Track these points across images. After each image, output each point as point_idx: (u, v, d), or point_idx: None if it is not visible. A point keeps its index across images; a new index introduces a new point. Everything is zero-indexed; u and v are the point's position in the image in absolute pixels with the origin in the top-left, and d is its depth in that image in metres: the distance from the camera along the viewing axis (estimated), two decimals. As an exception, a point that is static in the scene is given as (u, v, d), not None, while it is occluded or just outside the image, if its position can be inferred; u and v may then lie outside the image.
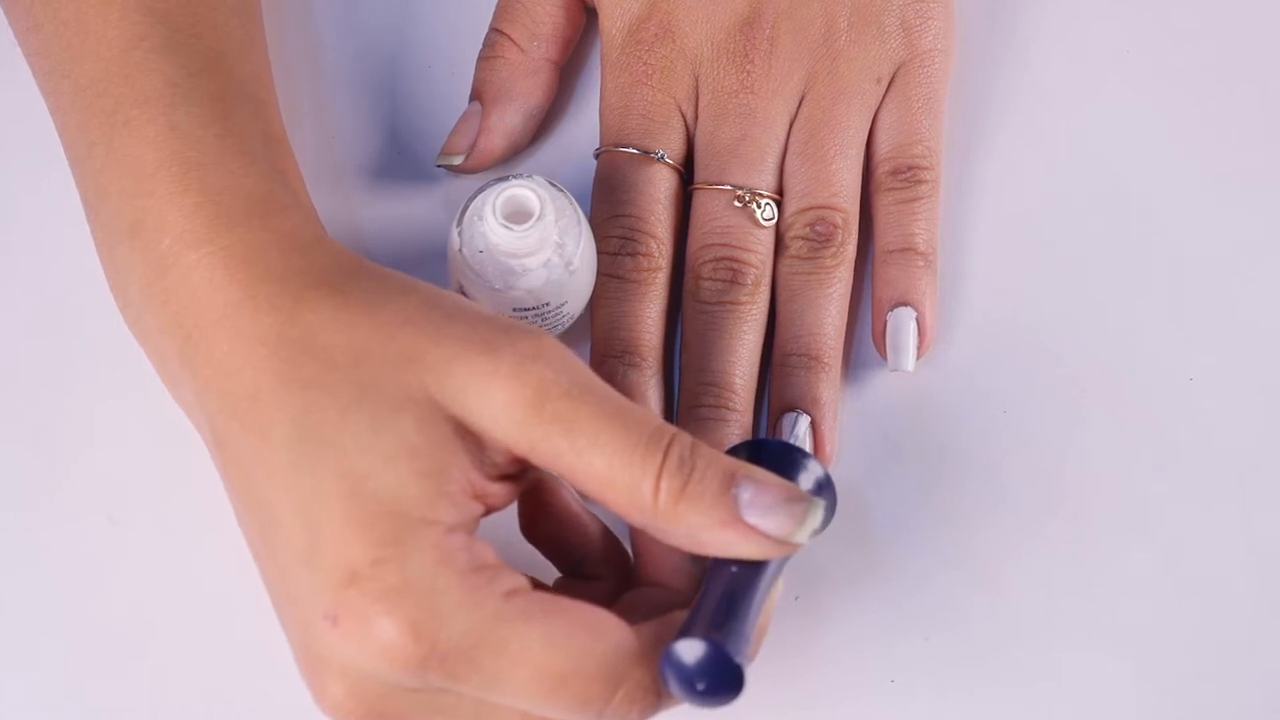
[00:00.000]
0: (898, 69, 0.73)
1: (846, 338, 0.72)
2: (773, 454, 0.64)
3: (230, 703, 0.68)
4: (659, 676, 0.59)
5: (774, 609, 0.63)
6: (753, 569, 0.61)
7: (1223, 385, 0.72)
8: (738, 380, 0.70)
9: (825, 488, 0.64)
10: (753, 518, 0.60)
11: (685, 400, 0.70)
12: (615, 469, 0.59)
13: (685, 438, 0.60)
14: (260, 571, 0.62)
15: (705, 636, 0.59)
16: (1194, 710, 0.69)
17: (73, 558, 0.70)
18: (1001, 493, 0.71)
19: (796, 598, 0.69)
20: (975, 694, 0.69)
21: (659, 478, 0.59)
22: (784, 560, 0.62)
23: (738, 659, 0.59)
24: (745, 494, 0.60)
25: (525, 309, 0.68)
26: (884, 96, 0.73)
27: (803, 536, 0.60)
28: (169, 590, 0.69)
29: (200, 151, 0.63)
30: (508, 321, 0.61)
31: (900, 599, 0.70)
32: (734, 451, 0.65)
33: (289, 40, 0.75)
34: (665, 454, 0.59)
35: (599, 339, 0.71)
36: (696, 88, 0.72)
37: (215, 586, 0.69)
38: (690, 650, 0.59)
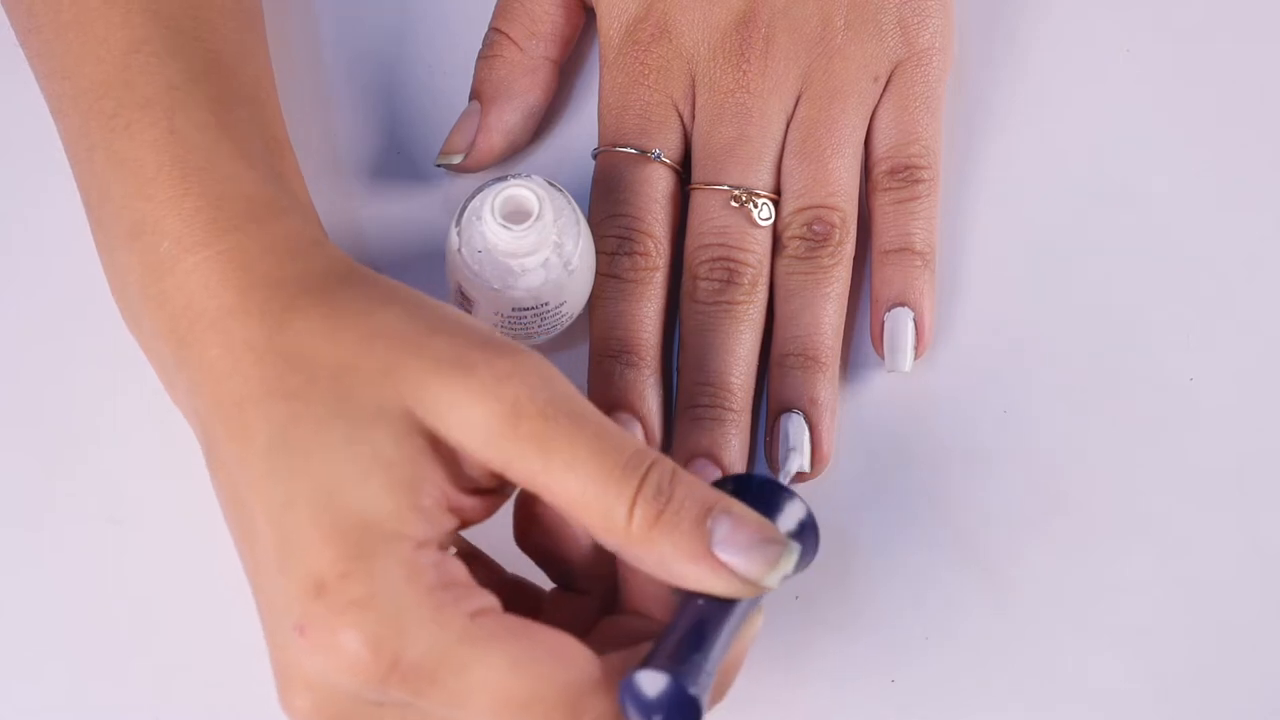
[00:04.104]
0: (895, 67, 0.73)
1: (845, 338, 0.72)
2: (757, 491, 0.62)
3: (232, 704, 0.68)
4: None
5: (749, 644, 0.62)
6: (722, 604, 0.60)
7: (1223, 385, 0.72)
8: (735, 380, 0.70)
9: (807, 529, 0.62)
10: (725, 555, 0.59)
11: (683, 400, 0.70)
12: (589, 491, 0.59)
13: (666, 464, 0.60)
14: (245, 575, 0.62)
15: (663, 668, 0.58)
16: (1194, 710, 0.69)
17: (74, 558, 0.70)
18: (1001, 493, 0.71)
19: (796, 597, 0.69)
20: (975, 694, 0.69)
21: (633, 504, 0.59)
22: (757, 599, 0.61)
23: (693, 691, 0.58)
24: (721, 529, 0.59)
25: (524, 309, 0.68)
26: (881, 95, 0.73)
27: (773, 581, 0.60)
28: (170, 591, 0.69)
29: (200, 155, 0.63)
30: (490, 337, 0.60)
31: (900, 598, 0.70)
32: (720, 485, 0.63)
33: (288, 40, 0.75)
34: (643, 480, 0.59)
35: (597, 338, 0.71)
36: (693, 87, 0.72)
37: (217, 587, 0.68)
38: (648, 681, 0.58)
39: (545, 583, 0.65)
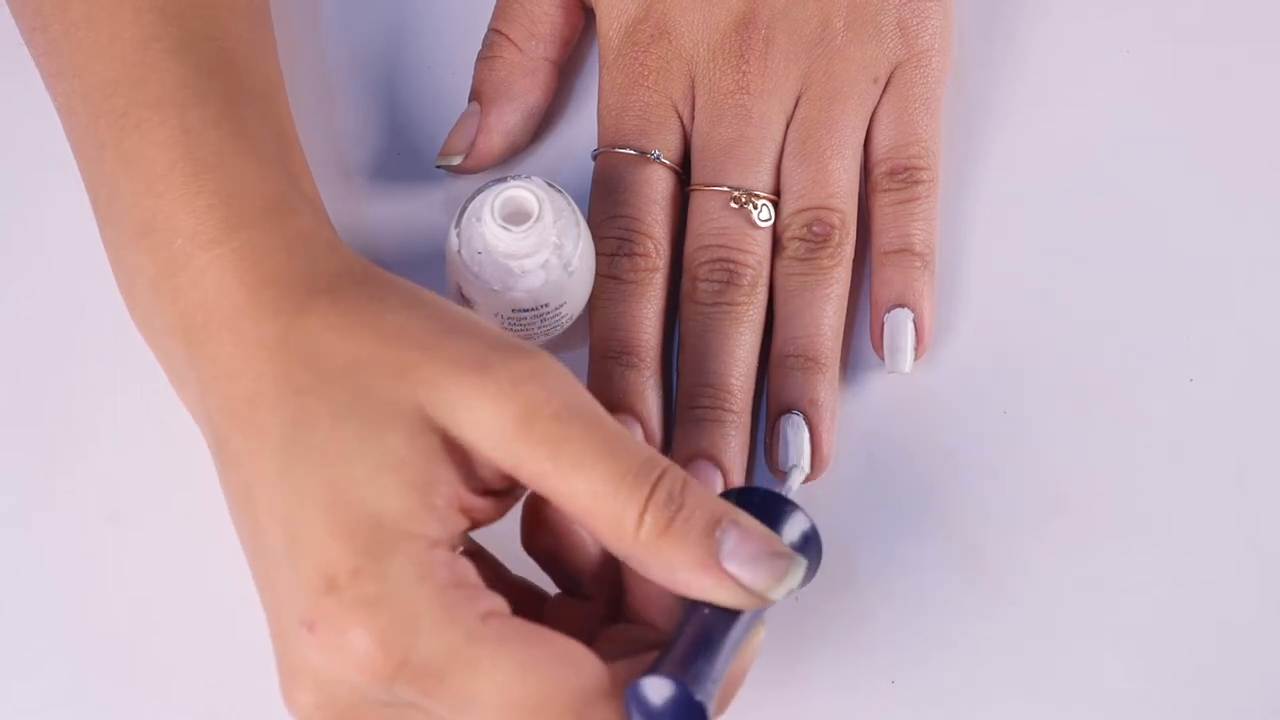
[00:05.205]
0: (894, 68, 0.73)
1: (845, 338, 0.72)
2: (760, 503, 0.62)
3: (232, 704, 0.68)
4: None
5: (753, 656, 0.62)
6: (727, 614, 0.60)
7: (1223, 385, 0.72)
8: (734, 381, 0.70)
9: (811, 541, 0.63)
10: (732, 566, 0.59)
11: (683, 401, 0.70)
12: (599, 496, 0.59)
13: (677, 473, 0.60)
14: (251, 574, 0.62)
15: (670, 675, 0.58)
16: (1194, 710, 0.69)
17: (73, 557, 0.70)
18: (1001, 493, 0.71)
19: (796, 599, 0.69)
20: (975, 694, 0.69)
21: (644, 510, 0.59)
22: (760, 611, 0.61)
23: (700, 698, 0.58)
24: (729, 541, 0.59)
25: (524, 310, 0.68)
26: (881, 96, 0.73)
27: (778, 594, 0.60)
28: (170, 590, 0.69)
29: (213, 153, 0.63)
30: (506, 340, 0.61)
31: (900, 599, 0.70)
32: (724, 497, 0.63)
33: (288, 41, 0.75)
34: (654, 487, 0.59)
35: (597, 340, 0.70)
36: (693, 88, 0.72)
37: (217, 586, 0.69)
38: (654, 688, 0.58)
39: (549, 587, 0.65)
